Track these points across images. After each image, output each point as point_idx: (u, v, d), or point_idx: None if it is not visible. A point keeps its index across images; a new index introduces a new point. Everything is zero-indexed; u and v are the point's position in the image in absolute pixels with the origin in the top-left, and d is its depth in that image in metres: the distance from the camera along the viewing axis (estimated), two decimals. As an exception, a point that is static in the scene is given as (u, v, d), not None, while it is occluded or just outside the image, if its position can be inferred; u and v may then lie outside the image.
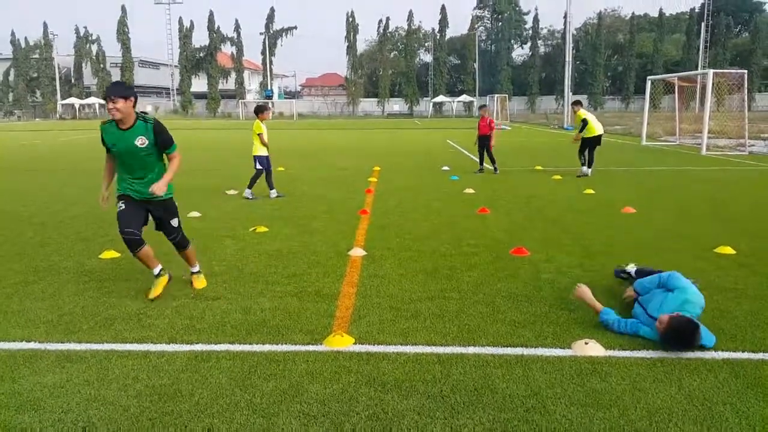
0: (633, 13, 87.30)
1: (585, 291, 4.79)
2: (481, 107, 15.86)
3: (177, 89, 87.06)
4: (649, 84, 24.59)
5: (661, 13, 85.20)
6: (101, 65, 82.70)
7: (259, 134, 10.53)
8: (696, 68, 72.39)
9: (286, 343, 4.22)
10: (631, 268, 5.52)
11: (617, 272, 5.68)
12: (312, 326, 4.54)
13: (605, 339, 4.27)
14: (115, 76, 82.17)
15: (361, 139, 30.75)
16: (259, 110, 10.84)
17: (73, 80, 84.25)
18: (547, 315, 4.76)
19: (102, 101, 79.06)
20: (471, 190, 11.43)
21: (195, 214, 9.00)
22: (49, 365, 3.85)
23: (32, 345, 4.18)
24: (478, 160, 15.06)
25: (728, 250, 6.71)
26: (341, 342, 4.19)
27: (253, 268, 6.13)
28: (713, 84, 19.41)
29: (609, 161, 17.14)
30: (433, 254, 6.70)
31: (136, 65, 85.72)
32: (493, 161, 14.59)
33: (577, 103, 14.90)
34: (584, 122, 13.79)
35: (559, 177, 13.28)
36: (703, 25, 78.65)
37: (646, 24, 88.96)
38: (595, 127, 13.85)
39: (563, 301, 5.06)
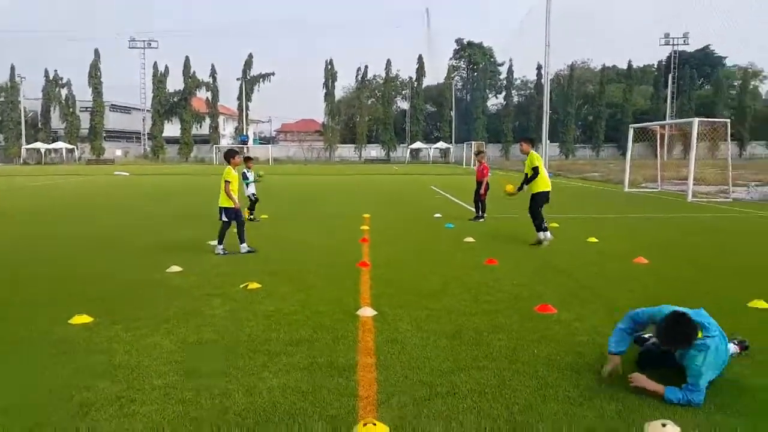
0: (603, 65, 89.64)
1: (641, 379, 4.03)
2: (478, 153, 15.31)
3: (148, 134, 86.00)
4: (631, 132, 24.64)
5: (629, 65, 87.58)
6: (70, 109, 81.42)
7: (226, 182, 9.27)
8: (664, 118, 74.18)
9: (304, 435, 3.45)
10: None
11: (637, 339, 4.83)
12: (333, 410, 3.77)
13: (682, 418, 3.60)
14: (85, 120, 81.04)
15: (343, 185, 30.14)
16: (230, 155, 9.63)
17: (39, 124, 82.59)
18: (605, 389, 4.07)
19: (69, 146, 77.72)
20: (471, 239, 10.79)
21: (175, 268, 8.13)
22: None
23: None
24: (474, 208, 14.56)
25: (763, 304, 6.16)
26: (375, 434, 3.43)
27: (250, 333, 5.33)
28: (698, 132, 19.34)
29: (601, 208, 16.76)
30: (450, 313, 5.99)
31: (106, 109, 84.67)
32: (478, 208, 14.10)
33: (528, 141, 10.70)
34: (535, 171, 10.19)
35: (555, 224, 12.74)
36: (670, 77, 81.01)
37: (615, 75, 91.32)
38: (548, 181, 10.48)
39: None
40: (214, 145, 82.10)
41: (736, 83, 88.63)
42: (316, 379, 4.29)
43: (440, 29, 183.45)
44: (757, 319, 5.76)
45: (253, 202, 13.90)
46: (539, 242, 10.17)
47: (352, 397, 3.97)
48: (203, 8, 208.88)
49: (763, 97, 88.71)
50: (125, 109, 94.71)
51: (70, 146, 78.97)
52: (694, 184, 20.06)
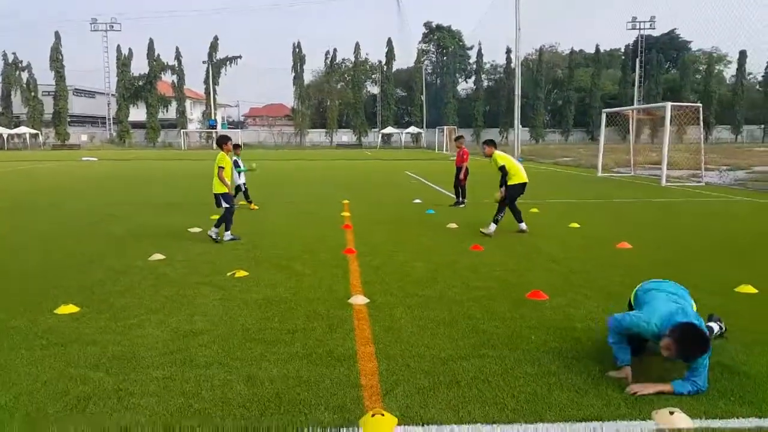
0: (572, 49, 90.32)
1: (643, 388, 3.85)
2: (457, 139, 15.23)
3: (114, 118, 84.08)
4: (604, 117, 24.85)
5: (597, 50, 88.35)
6: (32, 93, 78.93)
7: (220, 167, 9.08)
8: (632, 102, 75.16)
9: (312, 426, 3.40)
10: None
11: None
12: (339, 400, 3.72)
13: (689, 406, 3.63)
14: (48, 104, 78.78)
15: (317, 170, 29.88)
16: (222, 140, 9.46)
17: (0, 109, 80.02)
18: (605, 377, 4.09)
19: (33, 131, 75.58)
20: (454, 225, 10.79)
21: (158, 256, 7.96)
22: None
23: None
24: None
25: (751, 289, 6.28)
26: (385, 425, 3.38)
27: (244, 322, 5.23)
28: (671, 116, 19.61)
29: (578, 194, 16.93)
30: (442, 300, 5.97)
31: (70, 94, 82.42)
32: (458, 194, 14.13)
33: (490, 144, 10.47)
34: (502, 170, 9.91)
35: (536, 210, 12.83)
36: (637, 60, 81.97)
37: (583, 60, 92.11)
38: (522, 173, 10.03)
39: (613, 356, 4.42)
40: (182, 130, 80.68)
41: (701, 68, 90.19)
42: (317, 368, 4.23)
43: (407, 12, 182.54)
44: (746, 304, 5.83)
45: (244, 192, 13.51)
46: (487, 233, 9.77)
47: (355, 387, 3.93)
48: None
49: (728, 82, 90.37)
50: (89, 94, 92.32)
51: (33, 131, 76.77)
52: (668, 169, 20.37)
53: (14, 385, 3.91)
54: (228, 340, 4.77)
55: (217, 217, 10.32)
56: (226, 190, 9.22)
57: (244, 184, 13.55)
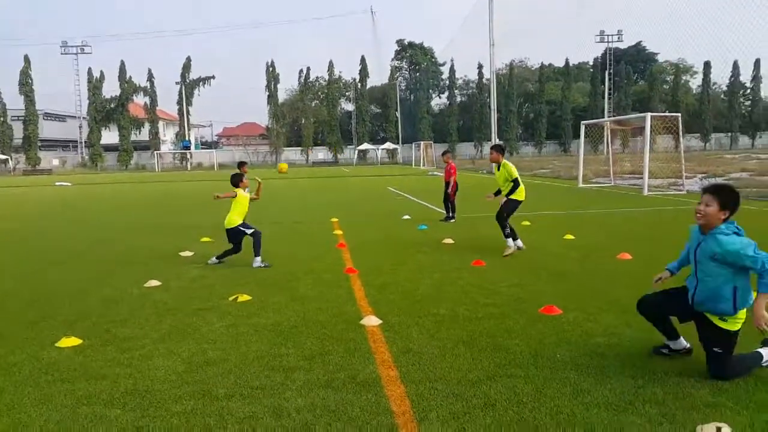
0: (542, 63, 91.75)
1: (760, 318, 3.89)
2: (444, 153, 15.17)
3: (85, 142, 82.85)
4: (582, 128, 25.10)
5: (567, 63, 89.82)
6: (1, 118, 77.52)
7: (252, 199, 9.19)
8: (602, 114, 76.42)
9: (351, 459, 3.23)
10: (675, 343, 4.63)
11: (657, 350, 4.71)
12: (373, 429, 3.56)
13: (735, 419, 3.54)
14: (17, 130, 77.41)
15: (298, 188, 29.65)
16: (238, 179, 9.04)
17: (-32, 135, 78.30)
18: (640, 392, 4.00)
19: (2, 156, 74.07)
20: (450, 240, 10.70)
21: (154, 282, 7.71)
22: None
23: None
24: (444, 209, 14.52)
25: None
26: (430, 454, 3.23)
27: (257, 349, 5.04)
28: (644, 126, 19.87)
29: (564, 205, 16.98)
30: (456, 318, 5.84)
31: (40, 118, 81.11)
32: (448, 209, 14.07)
33: (498, 150, 9.81)
34: (516, 182, 9.53)
35: (527, 223, 12.81)
36: (606, 73, 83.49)
37: (552, 73, 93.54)
38: (524, 191, 9.70)
39: (643, 370, 4.34)
40: (155, 151, 79.88)
41: (669, 78, 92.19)
42: (342, 395, 4.06)
43: (380, 30, 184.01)
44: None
45: None
46: (512, 251, 9.33)
47: (387, 415, 3.77)
48: (137, 12, 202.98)
49: (694, 92, 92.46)
50: (60, 117, 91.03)
51: (3, 157, 75.28)
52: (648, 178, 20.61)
53: (26, 427, 3.67)
54: (244, 369, 4.58)
55: (209, 240, 10.13)
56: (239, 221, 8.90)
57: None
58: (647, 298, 4.66)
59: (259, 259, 8.74)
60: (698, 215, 4.23)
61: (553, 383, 4.19)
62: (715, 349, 4.15)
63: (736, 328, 4.18)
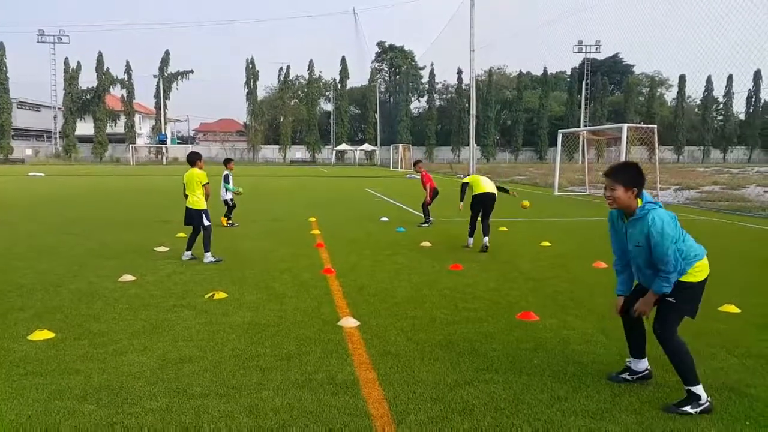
0: (520, 71, 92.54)
1: (639, 304, 4.03)
2: (415, 163, 14.84)
3: (60, 132, 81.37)
4: (560, 137, 25.34)
5: (545, 72, 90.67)
6: (-27, 105, 75.80)
7: (205, 184, 8.96)
8: (578, 123, 77.36)
9: (329, 461, 3.21)
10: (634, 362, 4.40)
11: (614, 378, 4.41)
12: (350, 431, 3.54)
13: (710, 430, 3.59)
14: (-10, 117, 75.70)
15: (275, 187, 29.45)
16: (196, 157, 9.20)
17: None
18: (617, 400, 4.03)
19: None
20: (427, 243, 10.72)
21: (128, 277, 7.59)
22: None
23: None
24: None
25: (734, 308, 6.37)
26: (408, 457, 3.22)
27: (233, 348, 4.98)
28: (628, 137, 20.15)
29: (541, 212, 17.11)
30: (434, 322, 5.85)
31: (14, 106, 79.44)
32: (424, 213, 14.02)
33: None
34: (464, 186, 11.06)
35: (504, 228, 12.89)
36: (583, 83, 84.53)
37: (530, 82, 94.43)
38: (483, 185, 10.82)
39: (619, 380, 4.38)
40: (130, 144, 78.81)
41: (644, 90, 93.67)
42: (320, 397, 4.03)
43: (362, 31, 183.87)
44: (734, 324, 5.88)
45: (230, 208, 13.29)
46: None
47: (365, 417, 3.75)
48: (117, 3, 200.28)
49: (669, 104, 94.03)
50: (35, 107, 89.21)
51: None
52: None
53: (-5, 422, 3.58)
54: (220, 368, 4.52)
55: (184, 236, 9.99)
56: (204, 207, 8.96)
57: (231, 199, 13.35)
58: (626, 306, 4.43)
59: (209, 254, 8.76)
60: (609, 202, 4.09)
61: (530, 390, 4.21)
62: (669, 298, 3.92)
63: (697, 279, 3.95)
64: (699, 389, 3.86)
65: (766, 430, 3.65)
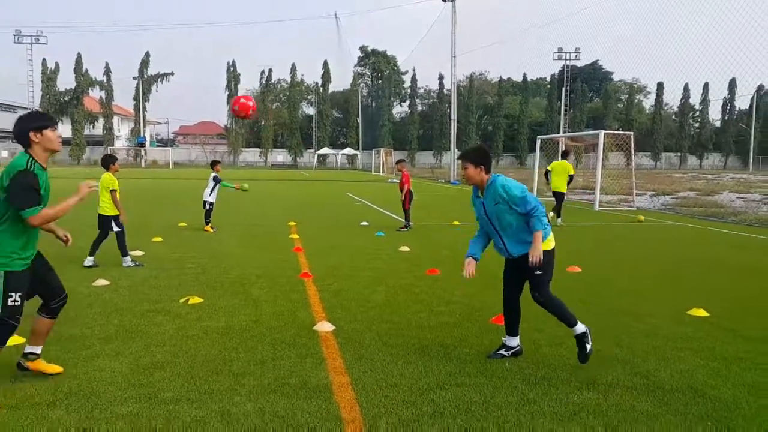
0: (500, 77, 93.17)
1: (535, 250, 4.65)
2: (398, 162, 15.02)
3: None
4: (538, 142, 25.58)
5: (525, 78, 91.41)
6: (-52, 107, 74.66)
7: (112, 191, 8.66)
8: (558, 129, 78.03)
9: (299, 465, 3.22)
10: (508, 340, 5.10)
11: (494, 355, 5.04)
12: (323, 436, 3.56)
13: (675, 431, 3.67)
14: (-36, 118, 74.50)
15: (256, 191, 29.22)
16: (111, 161, 8.94)
17: None
18: (585, 403, 4.10)
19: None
20: (406, 248, 10.76)
21: (102, 282, 7.54)
22: None
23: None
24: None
25: (702, 312, 6.49)
26: (377, 461, 3.25)
27: (206, 353, 4.98)
28: (604, 144, 20.38)
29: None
30: (410, 326, 5.89)
31: (-10, 107, 78.38)
32: (405, 217, 14.03)
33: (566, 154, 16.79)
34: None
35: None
36: (563, 90, 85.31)
37: (510, 87, 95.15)
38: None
39: (588, 381, 4.46)
40: (109, 147, 77.92)
41: (623, 97, 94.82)
42: (292, 401, 4.05)
43: (345, 35, 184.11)
44: (702, 327, 5.99)
45: (208, 211, 12.94)
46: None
47: (337, 421, 3.77)
48: (96, 4, 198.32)
49: (647, 111, 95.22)
50: (11, 108, 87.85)
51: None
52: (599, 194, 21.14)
53: (-39, 428, 3.55)
54: (192, 373, 4.51)
55: (161, 240, 9.95)
56: (118, 213, 8.82)
57: (212, 203, 13.04)
58: (505, 295, 5.11)
59: (128, 258, 8.74)
60: (465, 179, 4.90)
61: (501, 392, 4.26)
62: (537, 272, 4.69)
63: (551, 247, 4.81)
64: (579, 326, 4.76)
65: (728, 430, 3.73)
